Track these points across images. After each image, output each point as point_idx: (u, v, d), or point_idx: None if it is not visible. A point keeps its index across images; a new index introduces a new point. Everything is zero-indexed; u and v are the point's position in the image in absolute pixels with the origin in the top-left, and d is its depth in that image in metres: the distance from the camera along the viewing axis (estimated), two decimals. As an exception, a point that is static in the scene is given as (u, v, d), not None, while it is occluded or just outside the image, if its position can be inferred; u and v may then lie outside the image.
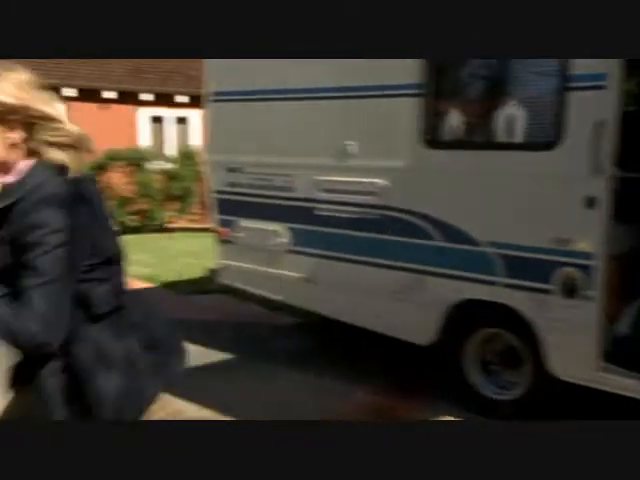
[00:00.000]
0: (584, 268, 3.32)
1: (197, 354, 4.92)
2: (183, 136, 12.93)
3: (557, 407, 3.61)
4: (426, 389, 4.24)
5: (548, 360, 3.51)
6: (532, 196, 3.47)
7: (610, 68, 3.14)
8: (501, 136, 3.69)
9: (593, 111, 3.22)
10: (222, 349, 5.03)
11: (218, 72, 5.01)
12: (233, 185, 5.04)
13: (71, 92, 11.49)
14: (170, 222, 11.75)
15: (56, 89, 11.31)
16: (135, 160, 11.23)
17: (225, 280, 5.32)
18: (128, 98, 12.12)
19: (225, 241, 5.17)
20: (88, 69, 12.18)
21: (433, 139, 3.90)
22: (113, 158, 11.10)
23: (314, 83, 4.42)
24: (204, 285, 6.98)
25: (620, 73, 3.14)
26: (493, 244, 3.63)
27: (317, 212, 4.45)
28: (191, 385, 4.25)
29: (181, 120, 12.88)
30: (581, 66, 3.24)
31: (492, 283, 3.64)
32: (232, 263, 5.15)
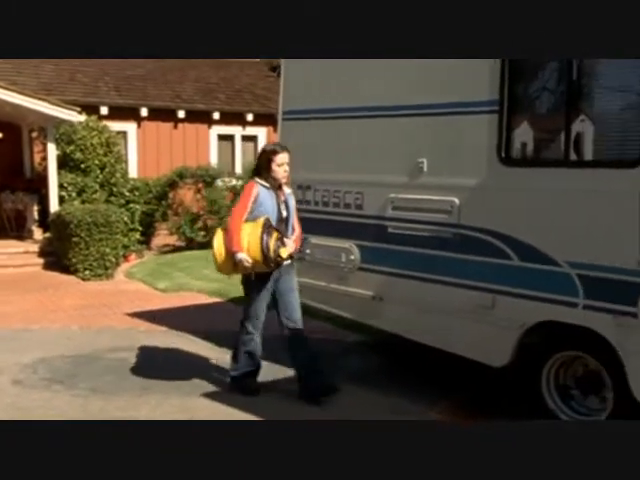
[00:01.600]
0: (672, 291, 3.16)
1: (264, 369, 4.97)
2: (252, 154, 13.19)
3: None
4: (498, 411, 4.12)
5: (633, 386, 3.35)
6: (616, 215, 3.35)
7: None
8: (581, 153, 3.59)
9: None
10: (289, 365, 5.04)
11: (291, 91, 5.09)
12: (303, 202, 5.07)
13: (147, 112, 11.91)
14: (237, 238, 11.92)
15: (133, 109, 11.77)
16: (204, 177, 11.51)
17: (294, 296, 5.35)
18: (200, 117, 12.46)
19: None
20: (160, 90, 12.62)
21: (509, 156, 3.83)
22: (183, 175, 11.41)
23: (387, 101, 4.43)
24: (272, 301, 7.02)
25: None
26: (574, 264, 3.51)
27: (388, 230, 4.43)
28: (257, 400, 4.33)
29: (250, 138, 13.14)
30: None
31: (573, 305, 3.52)
32: (301, 279, 5.16)
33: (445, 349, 4.25)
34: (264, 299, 4.37)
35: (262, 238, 4.01)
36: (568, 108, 3.56)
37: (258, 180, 4.26)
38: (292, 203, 4.39)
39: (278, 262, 4.15)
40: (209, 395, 4.43)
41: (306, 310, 6.13)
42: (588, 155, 3.62)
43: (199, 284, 8.12)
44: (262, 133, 13.10)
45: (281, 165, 4.24)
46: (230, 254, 4.13)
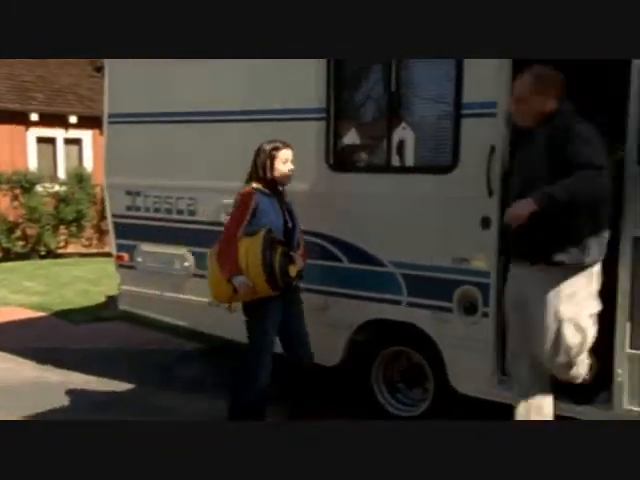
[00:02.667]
0: (482, 286, 3.48)
1: (95, 385, 4.72)
2: (76, 158, 12.43)
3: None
4: (335, 410, 4.26)
5: (450, 376, 3.64)
6: (432, 217, 3.62)
7: (499, 96, 3.35)
8: (401, 160, 3.84)
9: (485, 136, 3.41)
10: (122, 378, 4.84)
11: (118, 93, 4.88)
12: (133, 209, 4.90)
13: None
14: (62, 247, 11.21)
15: None
16: (21, 183, 10.65)
17: (125, 306, 5.15)
18: (15, 118, 11.50)
19: (124, 266, 5.00)
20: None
21: (336, 162, 3.99)
22: (-4, 181, 10.50)
23: (218, 106, 4.41)
24: (102, 312, 6.70)
25: (508, 100, 3.34)
26: (397, 264, 3.74)
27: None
28: (88, 417, 4.09)
29: (74, 141, 12.39)
30: (473, 94, 3.44)
31: (397, 302, 3.75)
32: (132, 289, 4.99)
33: (280, 352, 4.30)
34: (274, 325, 3.57)
35: (264, 254, 3.35)
36: (390, 116, 3.79)
37: (256, 186, 3.56)
38: (295, 212, 3.69)
39: (287, 282, 3.47)
40: (28, 416, 4.09)
41: (139, 320, 5.94)
42: (409, 162, 3.87)
43: (18, 298, 7.49)
44: (87, 136, 12.41)
45: (286, 162, 3.60)
46: (226, 279, 3.44)
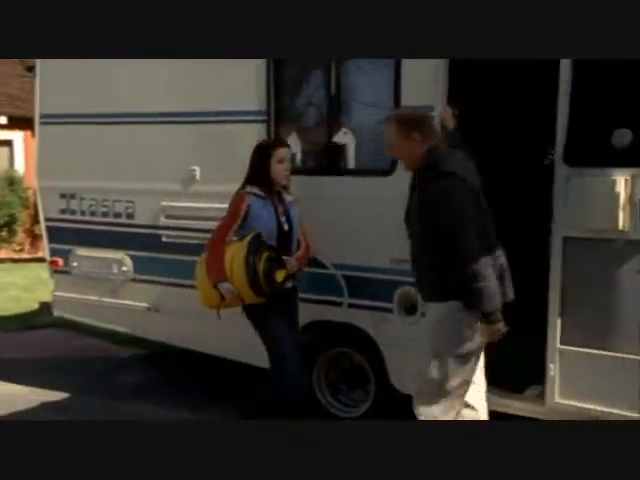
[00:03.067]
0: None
1: (29, 395, 4.55)
2: (7, 160, 11.97)
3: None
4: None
5: (391, 375, 3.69)
6: (372, 219, 3.66)
7: (436, 99, 3.42)
8: (343, 163, 3.87)
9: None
10: (58, 388, 4.69)
11: (50, 93, 4.74)
12: (67, 212, 4.78)
13: None
14: (-8, 253, 10.78)
15: None
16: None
17: (60, 313, 5.01)
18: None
19: (59, 271, 4.87)
20: None
21: (277, 165, 3.98)
22: None
23: (156, 107, 4.34)
24: (34, 320, 6.49)
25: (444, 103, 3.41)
26: (338, 266, 3.77)
27: (162, 239, 4.34)
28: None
29: (4, 143, 11.93)
30: (411, 98, 3.49)
31: (339, 304, 3.78)
32: (67, 294, 4.87)
33: (221, 356, 4.28)
34: (282, 321, 3.46)
35: (247, 260, 3.25)
36: (330, 120, 3.82)
37: (250, 189, 3.44)
38: (294, 213, 3.56)
39: (273, 288, 3.35)
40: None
41: (75, 327, 5.77)
42: (349, 164, 3.90)
43: (-56, 307, 7.17)
44: (18, 137, 11.98)
45: (282, 162, 3.48)
46: (212, 285, 3.34)
